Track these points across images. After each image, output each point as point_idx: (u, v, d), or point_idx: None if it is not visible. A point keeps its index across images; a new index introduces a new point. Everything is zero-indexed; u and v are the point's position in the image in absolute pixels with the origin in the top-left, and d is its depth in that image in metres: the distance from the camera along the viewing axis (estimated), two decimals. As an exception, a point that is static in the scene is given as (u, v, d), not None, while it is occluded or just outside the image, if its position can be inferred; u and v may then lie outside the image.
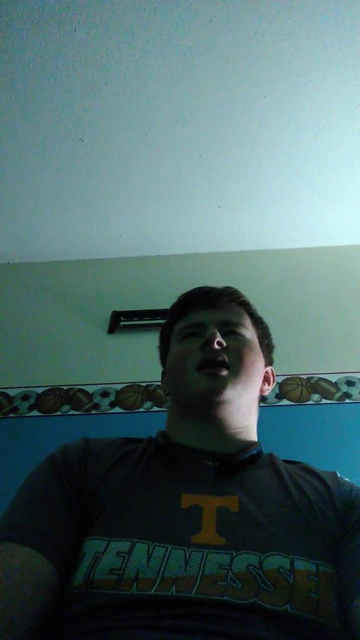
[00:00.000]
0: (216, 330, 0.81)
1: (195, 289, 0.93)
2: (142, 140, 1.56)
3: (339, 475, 0.75)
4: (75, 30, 1.28)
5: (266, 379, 0.90)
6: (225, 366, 0.78)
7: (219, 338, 0.79)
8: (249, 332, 0.87)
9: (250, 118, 1.51)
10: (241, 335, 0.85)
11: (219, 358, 0.78)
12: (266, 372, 0.90)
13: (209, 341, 0.79)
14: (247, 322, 0.89)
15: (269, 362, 0.94)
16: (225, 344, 0.80)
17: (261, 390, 0.88)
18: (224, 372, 0.77)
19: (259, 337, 0.90)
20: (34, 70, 1.36)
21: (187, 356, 0.81)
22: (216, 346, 0.78)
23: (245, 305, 0.92)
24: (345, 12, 1.27)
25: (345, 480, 0.74)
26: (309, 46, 1.34)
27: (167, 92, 1.43)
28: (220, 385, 0.76)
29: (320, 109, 1.49)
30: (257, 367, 0.83)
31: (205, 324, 0.85)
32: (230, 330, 0.85)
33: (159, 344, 0.97)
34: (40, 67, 1.35)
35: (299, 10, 1.26)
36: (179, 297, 0.94)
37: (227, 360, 0.79)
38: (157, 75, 1.39)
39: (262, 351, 0.89)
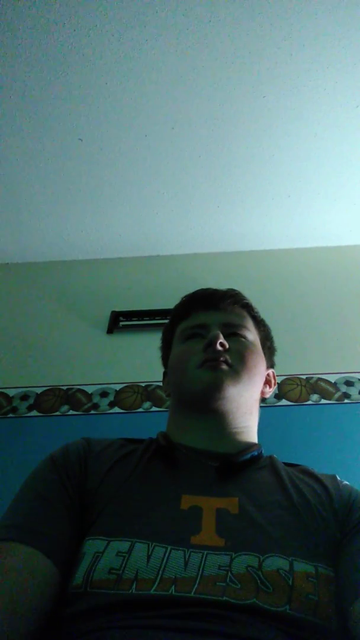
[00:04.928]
0: (219, 332, 0.81)
1: (198, 290, 0.94)
2: (142, 140, 1.56)
3: (338, 478, 0.75)
4: (75, 30, 1.28)
5: (267, 382, 0.91)
6: (227, 364, 0.78)
7: (221, 339, 0.80)
8: (251, 334, 0.87)
9: (249, 118, 1.51)
10: (243, 337, 0.85)
11: (221, 358, 0.78)
12: (267, 374, 0.91)
13: (212, 342, 0.79)
14: (250, 324, 0.89)
15: (271, 364, 0.94)
16: (227, 345, 0.80)
17: (262, 393, 0.88)
18: (225, 367, 0.78)
19: (261, 340, 0.91)
20: (34, 70, 1.36)
21: (190, 356, 0.81)
22: (219, 347, 0.79)
23: (248, 308, 0.92)
24: (345, 13, 1.27)
25: (345, 484, 0.74)
26: (309, 46, 1.34)
27: (167, 92, 1.43)
28: (220, 380, 0.76)
29: (320, 109, 1.49)
30: (258, 368, 0.84)
31: (208, 325, 0.85)
32: (233, 332, 0.85)
33: (161, 344, 0.98)
34: (40, 67, 1.35)
35: (299, 10, 1.26)
36: (182, 299, 0.95)
37: (229, 360, 0.79)
38: (156, 75, 1.39)
39: (264, 354, 0.89)
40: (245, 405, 0.81)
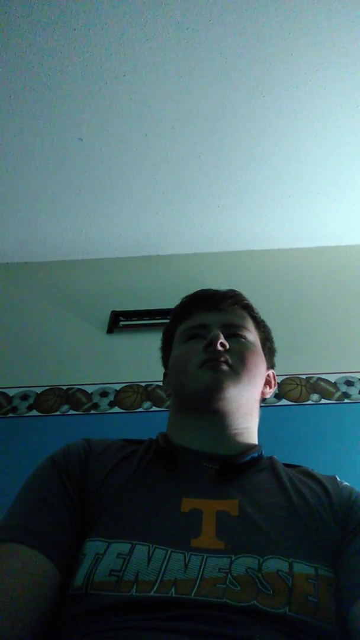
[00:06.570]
0: (219, 332, 0.81)
1: (198, 291, 0.93)
2: (142, 140, 1.56)
3: (338, 479, 0.75)
4: (75, 30, 1.28)
5: (267, 382, 0.91)
6: (227, 364, 0.78)
7: (222, 339, 0.79)
8: (252, 335, 0.87)
9: (249, 118, 1.51)
10: (244, 337, 0.85)
11: (222, 359, 0.78)
12: (268, 375, 0.91)
13: (212, 342, 0.79)
14: (250, 325, 0.89)
15: (271, 365, 0.94)
16: (228, 346, 0.80)
17: (262, 393, 0.88)
18: (225, 367, 0.78)
19: (261, 341, 0.91)
20: (34, 70, 1.36)
21: (190, 357, 0.81)
22: (219, 347, 0.79)
23: (249, 309, 0.92)
24: (345, 12, 1.27)
25: (345, 485, 0.74)
26: (309, 46, 1.33)
27: (167, 92, 1.43)
28: (220, 380, 0.76)
29: (320, 109, 1.49)
30: (259, 369, 0.84)
31: (209, 325, 0.85)
32: (233, 333, 0.85)
33: (161, 345, 0.98)
34: (40, 67, 1.35)
35: (299, 10, 1.26)
36: (182, 299, 0.94)
37: (229, 360, 0.79)
38: (156, 75, 1.39)
39: (264, 354, 0.89)
40: (246, 406, 0.81)
